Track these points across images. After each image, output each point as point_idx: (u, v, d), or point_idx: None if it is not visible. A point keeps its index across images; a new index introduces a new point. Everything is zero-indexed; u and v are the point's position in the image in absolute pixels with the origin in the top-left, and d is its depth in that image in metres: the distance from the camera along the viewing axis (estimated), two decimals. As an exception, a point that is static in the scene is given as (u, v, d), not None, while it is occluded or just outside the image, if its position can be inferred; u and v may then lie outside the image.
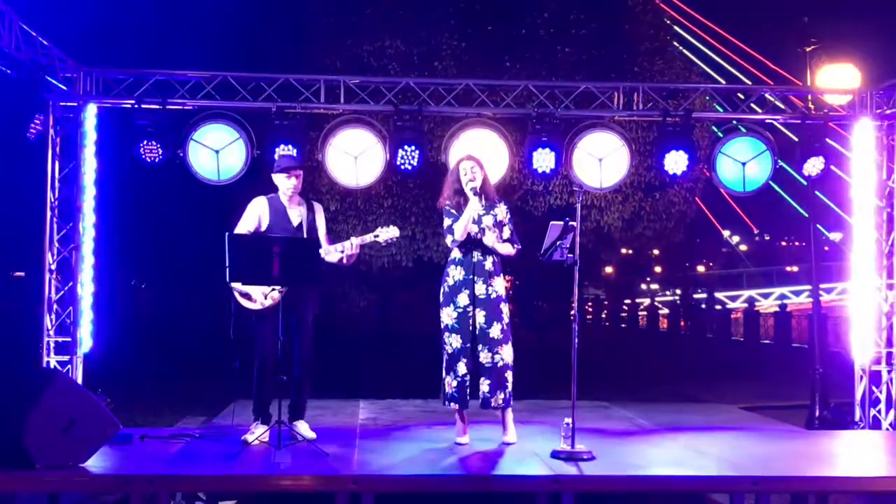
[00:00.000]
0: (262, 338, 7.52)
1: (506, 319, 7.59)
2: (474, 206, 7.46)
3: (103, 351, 9.65)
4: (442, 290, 7.65)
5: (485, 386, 7.52)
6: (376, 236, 7.63)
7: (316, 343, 7.71)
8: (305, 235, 7.56)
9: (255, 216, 7.61)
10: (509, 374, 7.57)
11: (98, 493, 7.41)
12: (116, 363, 11.19)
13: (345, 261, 7.57)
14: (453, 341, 7.54)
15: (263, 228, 7.58)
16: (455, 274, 7.58)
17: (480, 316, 7.53)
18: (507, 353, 7.55)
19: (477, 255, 7.57)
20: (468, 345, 7.51)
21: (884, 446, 8.50)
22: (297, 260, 7.05)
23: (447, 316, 7.59)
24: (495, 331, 7.53)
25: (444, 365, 7.62)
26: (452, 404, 7.56)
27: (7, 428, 6.28)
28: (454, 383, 7.52)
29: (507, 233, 7.63)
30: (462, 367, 7.50)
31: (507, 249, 7.62)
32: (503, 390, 7.53)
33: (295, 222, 7.62)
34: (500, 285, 7.64)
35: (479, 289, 7.54)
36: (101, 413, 6.64)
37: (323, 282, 7.31)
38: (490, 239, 7.52)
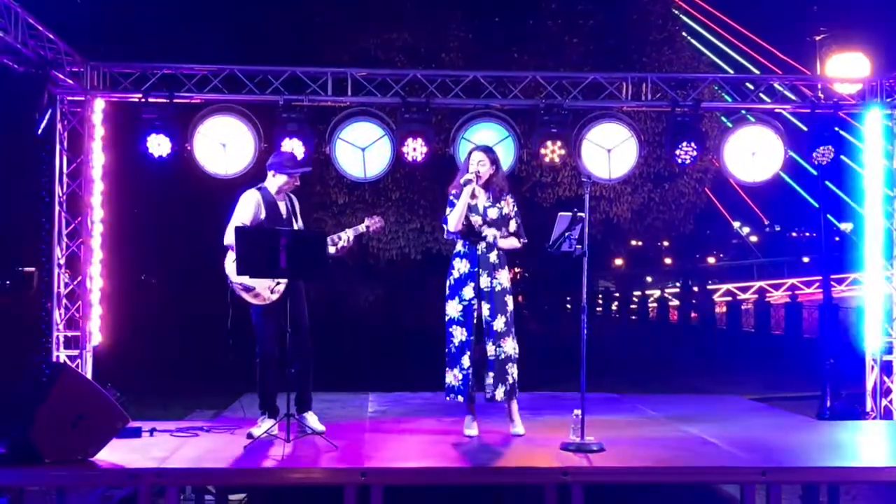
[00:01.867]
0: (265, 332, 7.49)
1: (510, 312, 7.58)
2: (465, 198, 7.41)
3: (112, 345, 9.66)
4: (448, 283, 7.64)
5: (489, 379, 7.49)
6: (367, 227, 7.63)
7: (325, 337, 7.70)
8: (296, 226, 7.55)
9: (252, 208, 7.52)
10: (511, 367, 7.54)
11: (107, 487, 7.42)
12: (126, 357, 11.18)
13: (338, 253, 7.57)
14: (458, 334, 7.52)
15: (262, 219, 7.55)
16: (460, 266, 7.56)
17: (485, 309, 7.51)
18: (509, 346, 7.53)
19: (482, 248, 7.54)
20: (473, 337, 7.49)
21: (895, 436, 8.45)
22: (305, 253, 7.03)
23: (452, 309, 7.57)
24: (499, 323, 7.51)
25: (448, 358, 7.59)
26: (459, 397, 7.53)
27: (16, 422, 6.29)
28: (459, 376, 7.50)
29: (513, 226, 7.60)
30: (467, 360, 7.48)
31: (512, 244, 7.59)
32: (504, 383, 7.50)
33: (284, 214, 7.61)
34: (505, 278, 7.61)
35: (484, 281, 7.51)
36: (109, 407, 6.64)
37: (330, 274, 7.28)
38: (491, 235, 7.50)
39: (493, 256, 7.56)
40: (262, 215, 7.53)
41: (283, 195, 7.66)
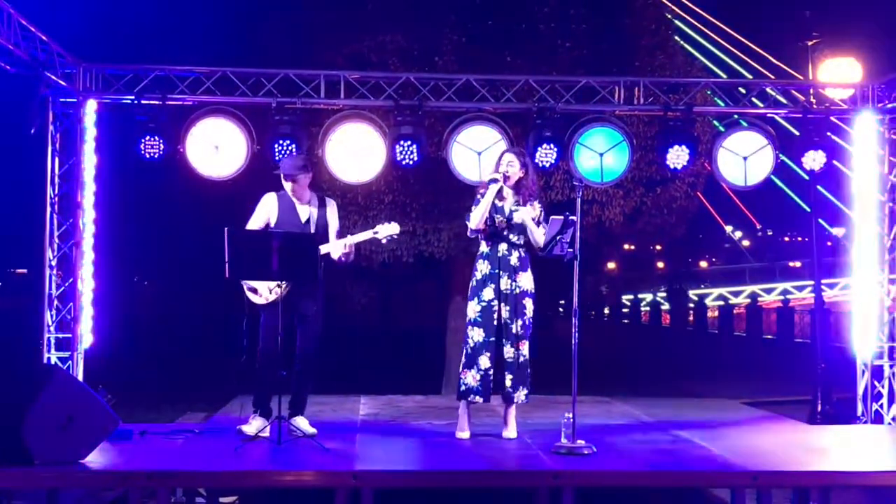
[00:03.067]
0: (266, 332, 7.51)
1: (528, 315, 7.59)
2: (489, 197, 7.45)
3: (104, 347, 9.65)
4: (470, 285, 7.66)
5: (508, 381, 7.53)
6: (375, 232, 7.59)
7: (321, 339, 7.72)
8: (313, 231, 7.53)
9: (265, 212, 7.61)
10: (529, 370, 7.59)
11: (97, 490, 7.41)
12: (117, 359, 11.19)
13: (343, 259, 7.55)
14: (475, 335, 7.53)
15: (273, 224, 7.57)
16: (482, 268, 7.58)
17: (504, 311, 7.53)
18: (526, 349, 7.58)
19: (503, 250, 7.55)
20: (492, 339, 7.50)
21: (886, 441, 8.47)
22: (296, 256, 7.04)
23: (471, 310, 7.58)
24: (517, 326, 7.53)
25: (465, 359, 7.59)
26: (477, 398, 7.52)
27: (6, 424, 6.26)
28: (478, 377, 7.50)
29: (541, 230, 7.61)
30: (485, 361, 7.49)
31: (541, 236, 7.49)
32: (525, 385, 7.56)
33: (303, 218, 7.60)
34: (525, 280, 7.62)
35: (505, 283, 7.53)
36: (100, 409, 6.62)
37: (319, 278, 7.27)
38: (524, 214, 7.49)
39: (514, 259, 7.57)
40: (275, 219, 7.57)
41: (309, 199, 7.64)
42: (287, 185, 7.60)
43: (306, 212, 7.64)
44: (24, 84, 8.28)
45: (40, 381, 6.42)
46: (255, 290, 7.50)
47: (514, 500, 6.86)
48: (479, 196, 7.58)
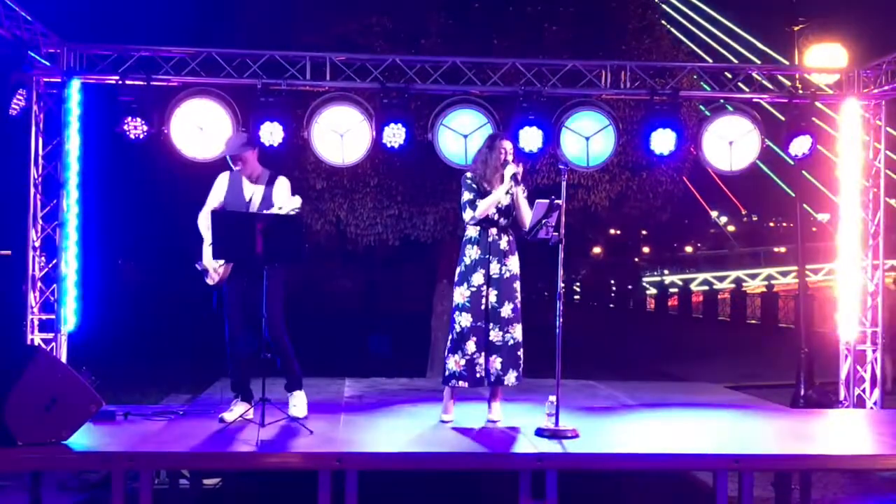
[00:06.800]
0: (230, 316, 7.48)
1: (518, 298, 7.59)
2: (503, 190, 7.41)
3: (88, 329, 9.62)
4: (458, 270, 7.62)
5: (497, 364, 7.51)
6: (280, 208, 7.44)
7: (302, 322, 7.70)
8: (255, 210, 7.43)
9: (218, 192, 7.59)
10: (521, 353, 7.58)
11: (80, 471, 7.40)
12: (101, 341, 11.14)
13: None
14: (462, 320, 7.50)
15: (221, 203, 7.53)
16: (471, 253, 7.55)
17: (493, 295, 7.51)
18: (518, 332, 7.56)
19: (492, 235, 7.53)
20: (479, 323, 7.47)
21: (868, 425, 8.51)
22: (281, 237, 7.00)
23: (460, 295, 7.55)
24: (506, 310, 7.51)
25: (451, 344, 7.57)
26: (461, 382, 7.49)
27: (-11, 405, 6.25)
28: (462, 361, 7.48)
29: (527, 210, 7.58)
30: (471, 346, 7.46)
31: (528, 213, 7.49)
32: (516, 369, 7.54)
33: (246, 197, 7.52)
34: (514, 264, 7.61)
35: (494, 268, 7.51)
36: (83, 390, 6.61)
37: (305, 260, 7.24)
38: (521, 193, 7.49)
39: (503, 243, 7.55)
40: (222, 198, 7.54)
41: (258, 177, 7.59)
42: (235, 165, 7.58)
43: (250, 190, 7.54)
44: (7, 63, 8.21)
45: (23, 363, 6.40)
46: (207, 275, 7.49)
47: (498, 483, 6.89)
48: (467, 180, 7.55)
